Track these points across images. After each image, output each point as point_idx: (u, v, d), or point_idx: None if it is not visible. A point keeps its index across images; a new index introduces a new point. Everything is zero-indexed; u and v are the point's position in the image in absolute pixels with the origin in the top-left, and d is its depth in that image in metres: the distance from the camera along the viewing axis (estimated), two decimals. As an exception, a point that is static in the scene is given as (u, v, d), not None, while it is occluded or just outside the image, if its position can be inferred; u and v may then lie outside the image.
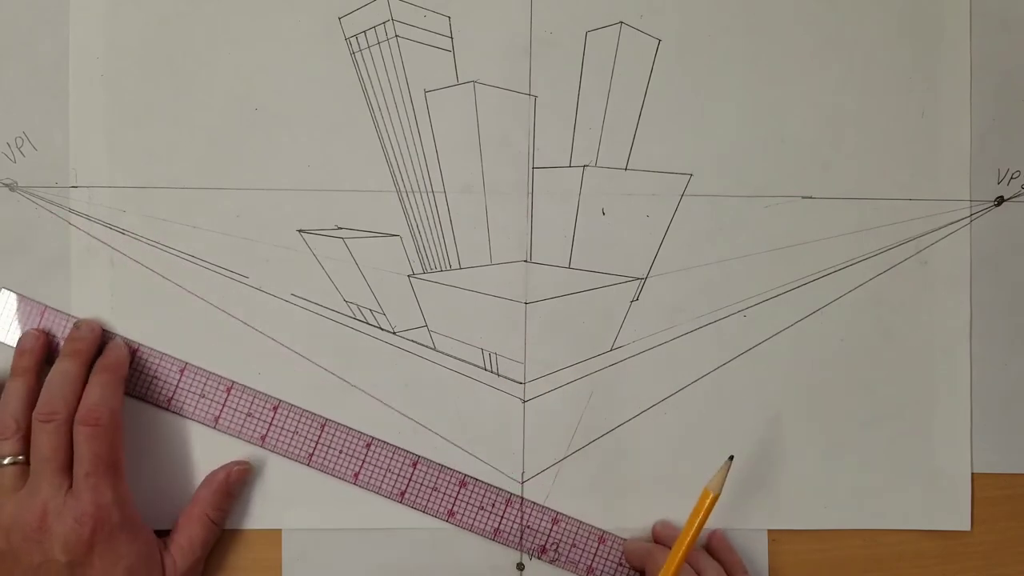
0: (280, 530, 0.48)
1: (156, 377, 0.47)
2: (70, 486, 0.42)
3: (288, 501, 0.48)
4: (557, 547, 0.48)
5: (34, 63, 0.47)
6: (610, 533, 0.48)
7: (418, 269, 0.48)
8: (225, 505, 0.46)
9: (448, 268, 0.48)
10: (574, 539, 0.48)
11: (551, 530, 0.48)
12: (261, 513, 0.48)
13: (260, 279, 0.48)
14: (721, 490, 0.44)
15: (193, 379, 0.47)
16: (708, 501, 0.44)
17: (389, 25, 0.48)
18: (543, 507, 0.48)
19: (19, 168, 0.47)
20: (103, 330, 0.47)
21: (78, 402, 0.43)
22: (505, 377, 0.48)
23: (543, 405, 0.48)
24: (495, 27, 0.48)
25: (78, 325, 0.46)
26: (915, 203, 0.49)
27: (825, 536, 0.49)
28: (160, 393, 0.47)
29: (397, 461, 0.47)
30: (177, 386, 0.47)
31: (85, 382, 0.44)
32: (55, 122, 0.47)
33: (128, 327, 0.47)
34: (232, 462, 0.47)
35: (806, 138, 0.49)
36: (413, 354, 0.48)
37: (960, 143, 0.49)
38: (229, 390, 0.47)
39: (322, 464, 0.47)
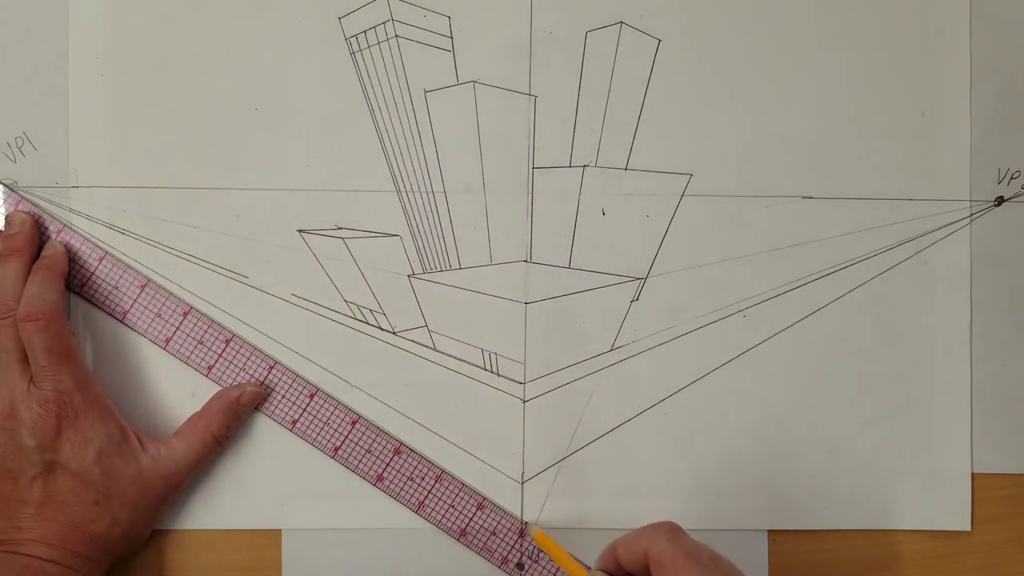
0: (280, 530, 0.48)
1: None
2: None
3: (288, 501, 0.48)
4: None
5: (34, 63, 0.47)
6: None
7: (418, 269, 0.48)
8: (232, 424, 0.46)
9: (448, 268, 0.48)
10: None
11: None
12: (261, 513, 0.48)
13: (260, 279, 0.48)
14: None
15: (238, 351, 0.47)
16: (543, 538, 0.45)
17: (389, 25, 0.48)
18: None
19: (19, 168, 0.47)
20: (36, 222, 0.47)
21: (15, 295, 0.44)
22: (505, 377, 0.48)
23: (543, 405, 0.48)
24: (495, 27, 0.48)
25: (10, 219, 0.46)
26: (915, 203, 0.49)
27: (825, 536, 0.49)
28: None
29: (421, 470, 0.48)
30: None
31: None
32: (55, 122, 0.47)
33: (128, 327, 0.47)
34: (247, 383, 0.47)
35: (806, 138, 0.49)
36: (413, 354, 0.48)
37: (960, 143, 0.49)
38: (271, 367, 0.47)
39: (346, 460, 0.47)
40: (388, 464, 0.48)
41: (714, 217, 0.48)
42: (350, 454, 0.47)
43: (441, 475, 0.48)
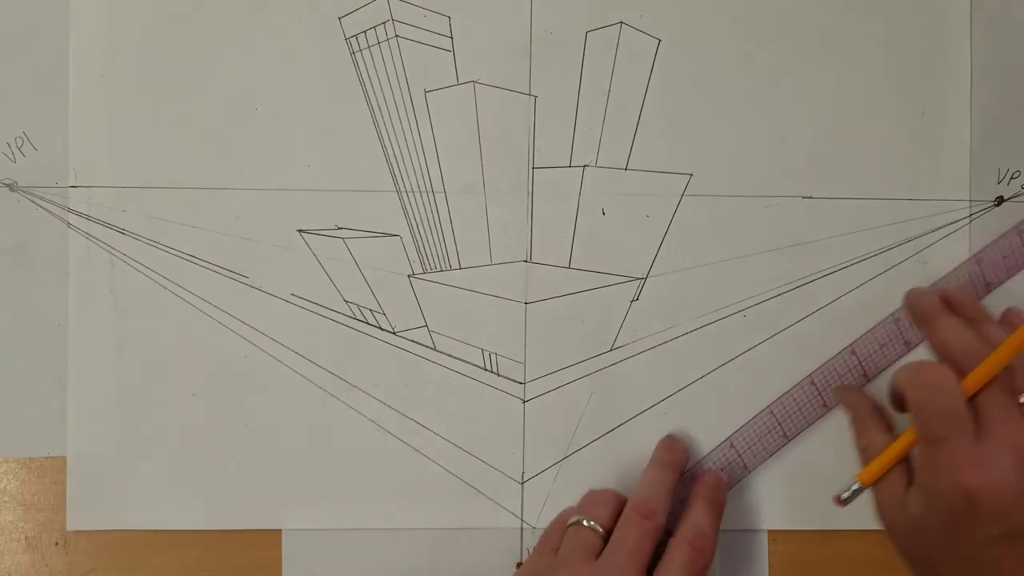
0: (280, 530, 0.48)
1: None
2: None
3: (288, 501, 0.48)
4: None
5: (34, 63, 0.47)
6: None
7: (418, 269, 0.48)
8: None
9: (448, 268, 0.48)
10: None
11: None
12: (261, 513, 0.48)
13: (260, 279, 0.48)
14: None
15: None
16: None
17: (389, 25, 0.48)
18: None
19: (19, 168, 0.47)
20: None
21: (667, 510, 0.44)
22: (505, 377, 0.48)
23: (543, 405, 0.48)
24: (495, 27, 0.48)
25: (672, 437, 0.48)
26: (915, 203, 0.49)
27: (825, 536, 0.49)
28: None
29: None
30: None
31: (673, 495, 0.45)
32: (55, 122, 0.47)
33: (127, 327, 0.47)
34: None
35: (806, 138, 0.49)
36: (413, 354, 0.48)
37: (960, 143, 0.49)
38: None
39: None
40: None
41: (714, 217, 0.48)
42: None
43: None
